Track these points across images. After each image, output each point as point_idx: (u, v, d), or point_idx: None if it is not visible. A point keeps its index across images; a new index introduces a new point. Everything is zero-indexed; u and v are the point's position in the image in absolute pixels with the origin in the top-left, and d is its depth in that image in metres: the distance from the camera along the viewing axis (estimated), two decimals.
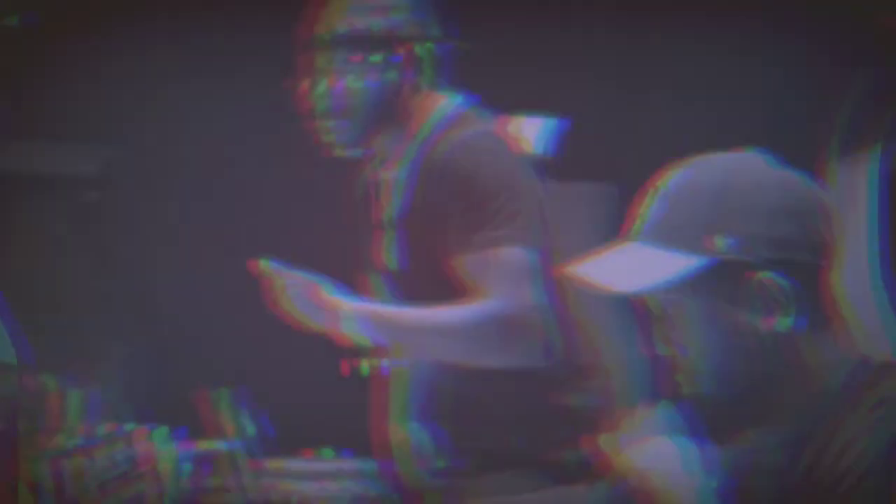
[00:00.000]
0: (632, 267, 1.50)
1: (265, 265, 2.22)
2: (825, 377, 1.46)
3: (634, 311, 1.57)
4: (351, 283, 2.39)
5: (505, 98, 2.47)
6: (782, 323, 1.44)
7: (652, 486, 1.51)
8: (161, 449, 2.41)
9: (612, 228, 1.60)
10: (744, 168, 1.50)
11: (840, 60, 4.44)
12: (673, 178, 1.52)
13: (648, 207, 1.53)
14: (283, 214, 4.63)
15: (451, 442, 2.45)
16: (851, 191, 4.40)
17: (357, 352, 2.32)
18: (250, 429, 2.71)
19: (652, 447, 1.54)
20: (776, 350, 1.45)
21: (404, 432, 2.55)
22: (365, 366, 2.35)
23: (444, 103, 2.41)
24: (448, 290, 2.25)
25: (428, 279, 2.33)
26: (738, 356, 1.46)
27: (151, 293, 4.74)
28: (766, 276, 1.44)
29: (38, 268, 4.58)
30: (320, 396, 4.28)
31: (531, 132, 4.64)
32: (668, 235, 1.48)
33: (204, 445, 2.66)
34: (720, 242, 1.45)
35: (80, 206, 4.82)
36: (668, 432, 1.54)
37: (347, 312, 2.22)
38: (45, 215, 4.75)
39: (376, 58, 2.33)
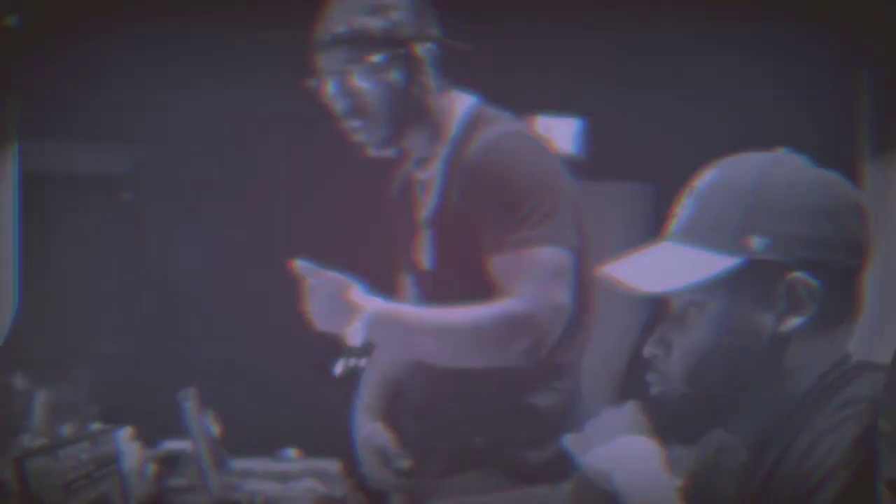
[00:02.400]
0: (663, 267, 1.50)
1: (299, 265, 2.20)
2: (797, 379, 1.46)
3: (650, 310, 1.57)
4: (382, 283, 2.37)
5: (533, 98, 2.47)
6: (792, 323, 1.44)
7: (616, 485, 1.51)
8: (124, 449, 2.40)
9: (649, 228, 1.59)
10: (777, 168, 1.49)
11: (865, 60, 4.47)
12: (706, 178, 1.52)
13: (683, 207, 1.53)
14: (307, 214, 4.61)
15: (417, 442, 2.45)
16: (886, 191, 4.38)
17: (343, 351, 2.30)
18: (215, 428, 2.71)
19: (616, 447, 1.54)
20: (767, 351, 1.45)
21: (369, 431, 2.55)
22: (340, 365, 2.34)
23: (467, 103, 2.40)
24: (481, 290, 2.24)
25: (461, 279, 2.32)
26: (725, 357, 1.46)
27: (132, 295, 4.73)
28: (797, 275, 1.44)
29: (44, 268, 4.56)
30: (285, 397, 4.28)
31: (558, 132, 4.64)
32: (704, 235, 1.48)
33: (169, 445, 2.67)
34: (756, 242, 1.45)
35: (106, 206, 4.81)
36: (632, 432, 1.54)
37: (367, 314, 2.20)
38: (67, 215, 4.74)
39: (377, 58, 2.32)
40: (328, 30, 2.33)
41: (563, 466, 2.03)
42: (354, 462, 2.57)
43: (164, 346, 4.50)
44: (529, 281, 2.18)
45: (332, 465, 2.74)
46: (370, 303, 2.21)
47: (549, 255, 2.20)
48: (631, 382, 1.60)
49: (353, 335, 2.19)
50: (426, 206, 2.40)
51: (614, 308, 2.44)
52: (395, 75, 2.32)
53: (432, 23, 2.37)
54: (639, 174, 5.04)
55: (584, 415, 2.08)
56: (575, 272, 2.23)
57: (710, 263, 1.46)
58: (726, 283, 1.45)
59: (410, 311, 2.34)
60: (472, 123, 2.35)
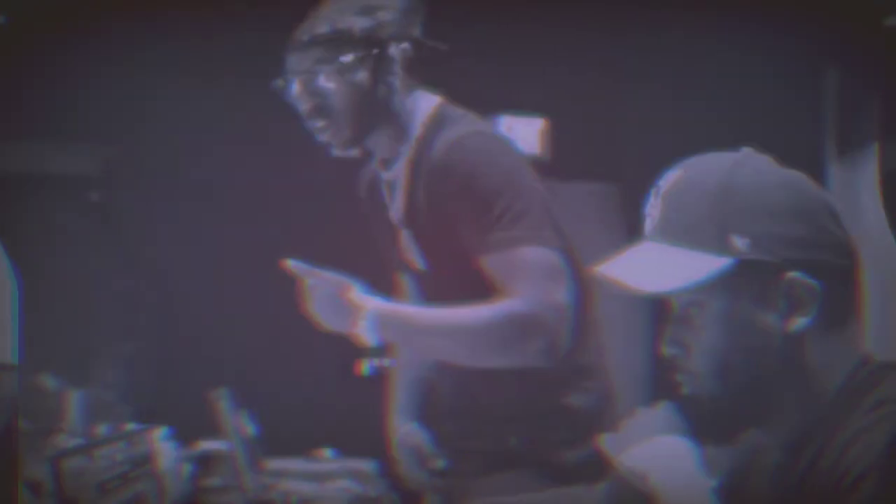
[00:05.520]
0: (658, 267, 1.49)
1: (292, 265, 2.20)
2: (824, 378, 1.45)
3: (654, 311, 1.56)
4: (371, 281, 2.37)
5: (499, 98, 2.47)
6: (798, 323, 1.44)
7: (652, 486, 1.50)
8: (161, 449, 2.41)
9: (616, 228, 1.59)
10: (741, 168, 1.49)
11: (831, 59, 4.45)
12: (670, 179, 1.52)
13: (652, 207, 1.53)
14: (290, 214, 4.62)
15: (452, 442, 2.45)
16: (852, 191, 4.39)
17: (365, 352, 2.30)
18: (250, 428, 2.71)
19: (652, 447, 1.54)
20: (783, 350, 1.45)
21: (406, 432, 2.55)
22: (370, 365, 2.33)
23: (430, 102, 2.40)
24: (479, 287, 2.23)
25: (458, 278, 2.31)
26: (746, 356, 1.46)
27: (153, 293, 4.74)
28: (794, 275, 1.44)
29: (42, 267, 4.58)
30: (320, 396, 4.29)
31: (520, 131, 4.63)
32: (682, 235, 1.48)
33: (204, 445, 2.67)
34: (738, 242, 1.45)
35: (83, 206, 4.82)
36: (668, 432, 1.53)
37: (370, 313, 2.19)
38: (47, 215, 4.75)
39: (349, 58, 2.32)
40: (308, 30, 2.33)
41: (599, 466, 2.02)
42: (390, 462, 2.58)
43: (187, 346, 4.51)
44: (527, 282, 2.17)
45: (368, 465, 2.74)
46: (371, 303, 2.21)
47: (538, 256, 2.19)
48: (660, 382, 1.59)
49: (366, 335, 2.19)
50: (395, 207, 2.39)
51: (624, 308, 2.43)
52: (361, 75, 2.32)
53: (416, 22, 2.37)
54: (601, 174, 5.02)
55: (619, 415, 2.07)
56: (568, 272, 2.22)
57: (704, 263, 1.45)
58: (724, 283, 1.45)
59: (414, 311, 2.33)
60: (435, 123, 2.34)
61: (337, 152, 2.39)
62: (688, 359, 1.50)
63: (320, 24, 2.32)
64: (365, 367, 2.33)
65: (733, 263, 1.44)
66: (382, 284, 2.43)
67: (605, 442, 1.60)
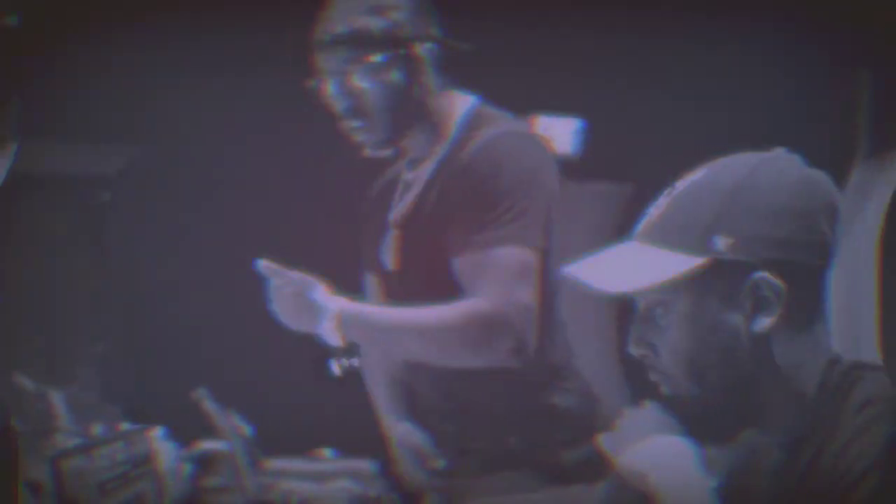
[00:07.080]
0: (627, 267, 1.50)
1: (262, 265, 2.21)
2: (799, 378, 1.47)
3: (623, 311, 1.57)
4: (352, 283, 2.38)
5: (519, 98, 2.47)
6: (762, 323, 1.45)
7: (651, 486, 1.51)
8: (161, 449, 2.41)
9: (626, 228, 1.59)
10: (760, 169, 1.50)
11: (864, 61, 4.44)
12: (686, 179, 1.53)
13: (655, 207, 1.53)
14: (285, 214, 4.62)
15: (448, 442, 2.45)
16: (870, 192, 4.38)
17: (330, 352, 2.31)
18: (245, 428, 2.71)
19: (651, 447, 1.54)
20: (753, 351, 1.45)
21: (404, 432, 2.55)
22: (339, 366, 2.34)
23: (467, 103, 2.40)
24: (446, 291, 2.24)
25: (426, 281, 2.33)
26: (716, 356, 1.46)
27: (150, 294, 4.74)
28: (760, 275, 1.44)
29: (36, 268, 4.58)
30: (321, 397, 4.28)
31: (557, 132, 4.63)
32: (670, 235, 1.48)
33: (204, 445, 2.66)
34: (719, 243, 1.45)
35: (82, 206, 4.82)
36: (663, 431, 1.54)
37: (333, 313, 2.20)
38: (47, 216, 4.75)
39: (378, 58, 2.32)
40: (328, 30, 2.33)
41: (597, 466, 2.02)
42: (390, 462, 2.58)
43: (184, 346, 4.51)
44: (492, 281, 2.19)
45: (368, 465, 2.73)
46: (335, 302, 2.21)
47: (512, 255, 2.20)
48: (637, 382, 1.60)
49: (328, 335, 2.20)
50: (401, 206, 2.40)
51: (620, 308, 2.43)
52: (395, 75, 2.33)
53: (433, 22, 2.37)
54: (633, 175, 5.01)
55: (608, 415, 2.08)
56: (541, 271, 2.23)
57: (674, 263, 1.47)
58: (690, 283, 1.46)
59: (378, 310, 2.34)
60: (473, 124, 2.35)
61: (370, 152, 2.40)
62: (657, 358, 1.50)
63: (337, 24, 2.33)
64: (334, 367, 2.34)
65: (704, 264, 1.45)
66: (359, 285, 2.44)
67: (603, 441, 1.60)
